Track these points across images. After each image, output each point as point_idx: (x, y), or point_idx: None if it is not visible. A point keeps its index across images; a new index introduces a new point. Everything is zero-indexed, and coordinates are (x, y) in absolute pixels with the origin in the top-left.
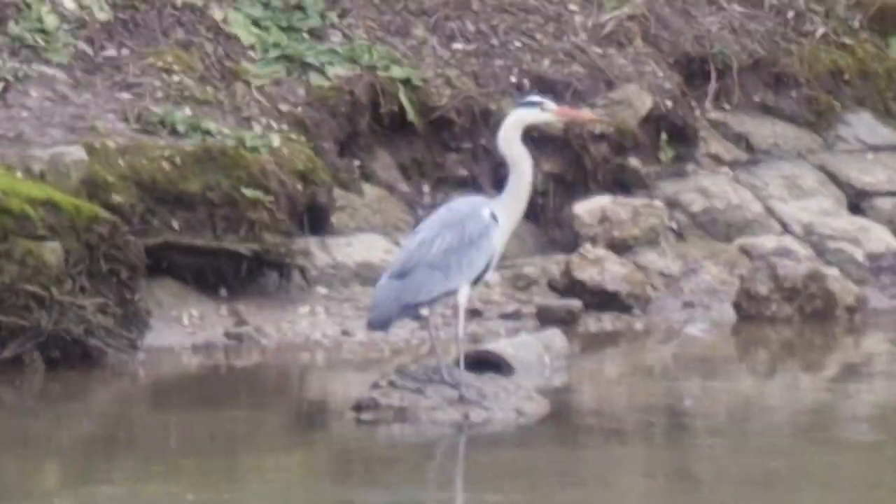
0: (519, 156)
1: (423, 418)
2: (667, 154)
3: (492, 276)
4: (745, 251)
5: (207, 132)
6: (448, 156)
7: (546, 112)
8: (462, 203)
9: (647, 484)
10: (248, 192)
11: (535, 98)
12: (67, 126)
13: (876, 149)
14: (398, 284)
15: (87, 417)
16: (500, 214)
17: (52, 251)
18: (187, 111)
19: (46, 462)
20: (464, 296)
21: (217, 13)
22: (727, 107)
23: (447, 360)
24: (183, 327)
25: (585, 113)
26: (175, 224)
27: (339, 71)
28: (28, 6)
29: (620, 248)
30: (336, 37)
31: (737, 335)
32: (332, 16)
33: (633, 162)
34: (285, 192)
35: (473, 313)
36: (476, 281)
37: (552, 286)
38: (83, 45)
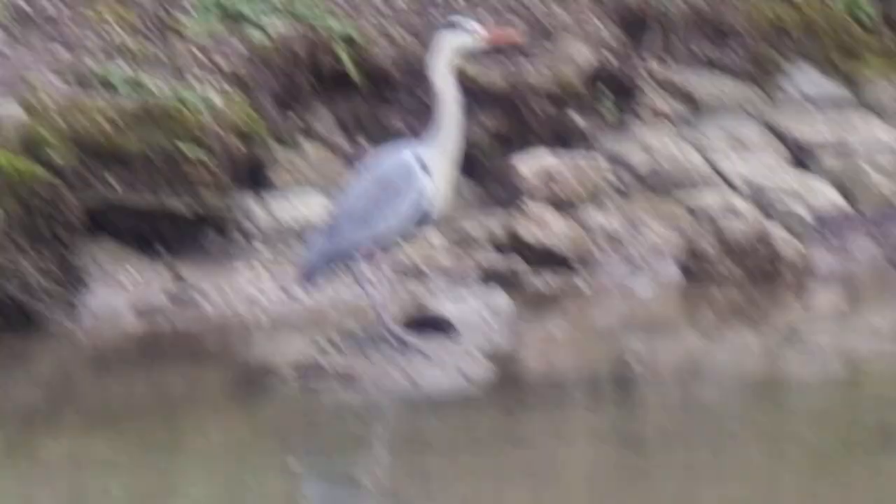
0: (449, 86)
1: (366, 381)
2: (609, 109)
3: (434, 231)
4: (689, 209)
5: (145, 89)
6: (389, 112)
7: (475, 36)
8: (385, 150)
9: (594, 448)
10: (188, 150)
11: (460, 20)
12: (4, 83)
13: (820, 103)
14: (324, 238)
15: (27, 380)
16: (428, 156)
17: None
18: (125, 68)
19: None
20: (388, 243)
21: None
22: (670, 61)
23: (390, 321)
24: (122, 288)
25: (512, 33)
26: (114, 183)
27: (278, 26)
28: None
29: (563, 205)
30: None
31: (681, 294)
32: None
33: (575, 117)
34: (225, 149)
35: (415, 273)
36: (413, 229)
37: (495, 245)
38: (20, 1)
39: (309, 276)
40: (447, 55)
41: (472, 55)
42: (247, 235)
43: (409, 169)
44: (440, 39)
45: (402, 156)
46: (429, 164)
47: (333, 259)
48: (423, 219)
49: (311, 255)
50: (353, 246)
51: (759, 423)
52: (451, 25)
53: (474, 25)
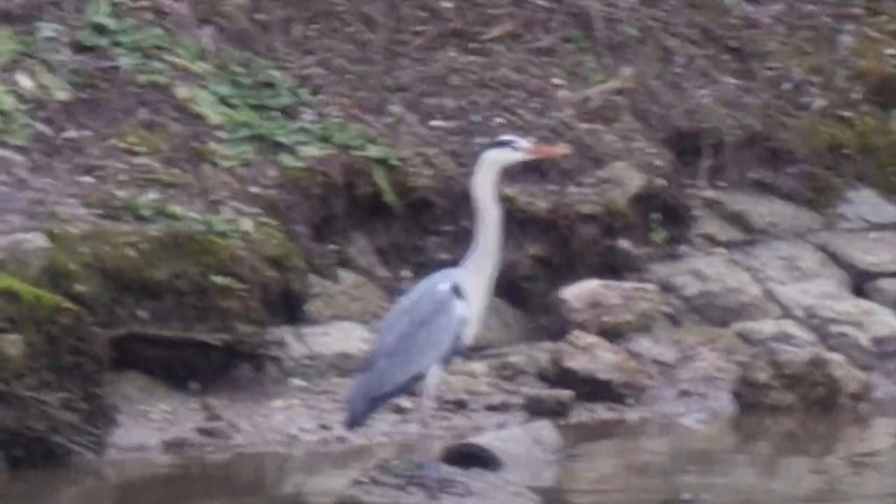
0: (490, 202)
1: None
2: (659, 235)
3: (478, 362)
4: (743, 336)
5: (174, 217)
6: (428, 239)
7: (518, 151)
8: (423, 282)
9: None
10: (218, 280)
11: (506, 137)
12: (26, 212)
13: (879, 227)
14: (364, 378)
15: None
16: (464, 279)
17: (12, 344)
18: (152, 195)
19: None
20: (432, 377)
21: (183, 91)
22: (722, 184)
23: (432, 456)
24: (152, 423)
25: (557, 148)
26: (141, 314)
27: (312, 151)
28: None
29: (612, 334)
30: (308, 115)
31: (736, 426)
32: (304, 93)
33: (624, 243)
34: (257, 279)
35: (458, 405)
36: (450, 358)
37: (541, 376)
38: (42, 127)
39: (356, 420)
40: (491, 171)
41: (516, 172)
42: (282, 368)
43: (445, 302)
44: (490, 161)
45: (438, 288)
46: (464, 287)
47: (377, 401)
48: (457, 344)
49: (355, 401)
50: (394, 385)
51: None
52: (497, 144)
53: (521, 141)
